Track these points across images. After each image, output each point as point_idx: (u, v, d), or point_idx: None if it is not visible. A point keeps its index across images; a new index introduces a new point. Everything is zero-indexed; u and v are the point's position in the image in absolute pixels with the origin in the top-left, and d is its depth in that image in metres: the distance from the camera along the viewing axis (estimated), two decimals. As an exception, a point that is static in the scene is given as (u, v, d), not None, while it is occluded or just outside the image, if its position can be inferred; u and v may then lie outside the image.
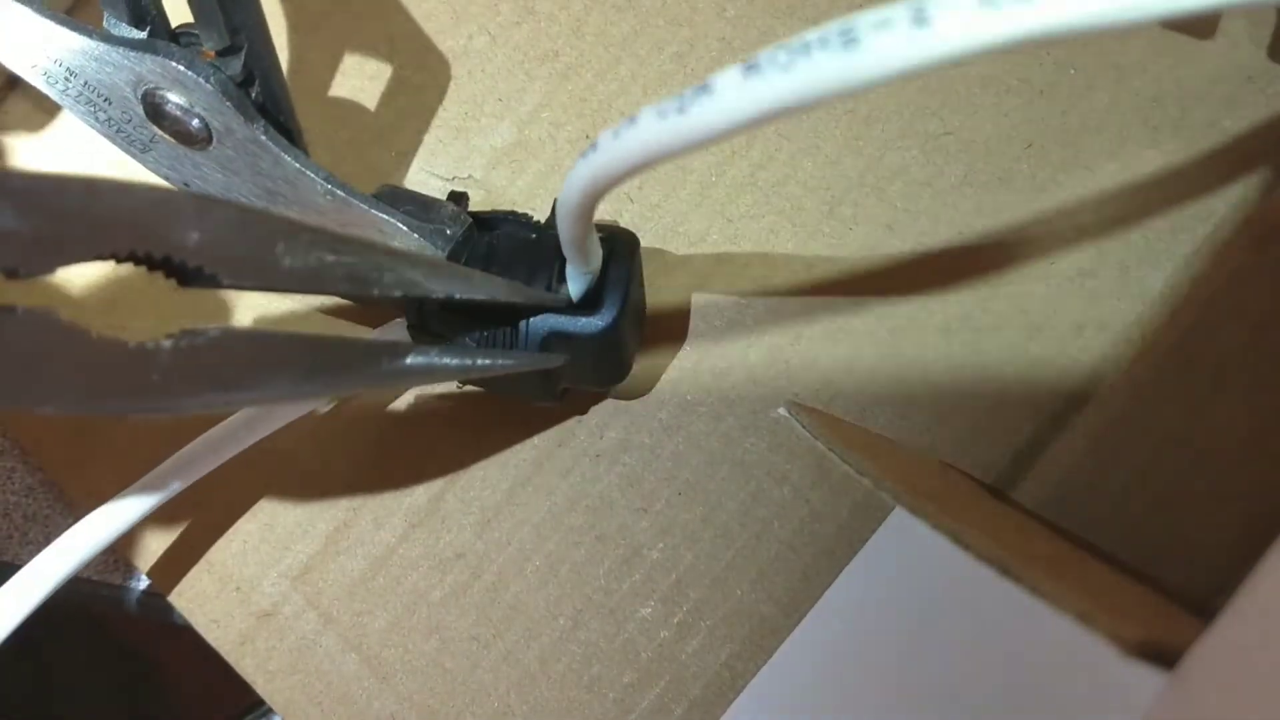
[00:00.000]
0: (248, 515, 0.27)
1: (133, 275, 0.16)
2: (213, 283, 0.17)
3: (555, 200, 0.19)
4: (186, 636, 0.27)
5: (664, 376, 0.26)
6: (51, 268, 0.16)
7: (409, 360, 0.19)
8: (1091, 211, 0.24)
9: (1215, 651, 0.13)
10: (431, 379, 0.20)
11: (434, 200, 0.23)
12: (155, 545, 0.27)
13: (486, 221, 0.24)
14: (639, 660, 0.25)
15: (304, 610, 0.26)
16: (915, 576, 0.21)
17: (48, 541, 0.23)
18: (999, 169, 0.25)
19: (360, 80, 0.28)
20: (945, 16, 0.11)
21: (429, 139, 0.28)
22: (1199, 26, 0.24)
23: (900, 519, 0.22)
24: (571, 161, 0.26)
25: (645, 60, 0.27)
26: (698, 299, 0.26)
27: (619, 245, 0.23)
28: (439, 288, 0.20)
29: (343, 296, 0.19)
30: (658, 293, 0.26)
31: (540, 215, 0.25)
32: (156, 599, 0.27)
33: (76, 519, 0.24)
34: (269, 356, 0.18)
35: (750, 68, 0.13)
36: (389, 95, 0.28)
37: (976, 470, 0.24)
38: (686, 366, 0.26)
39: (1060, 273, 0.24)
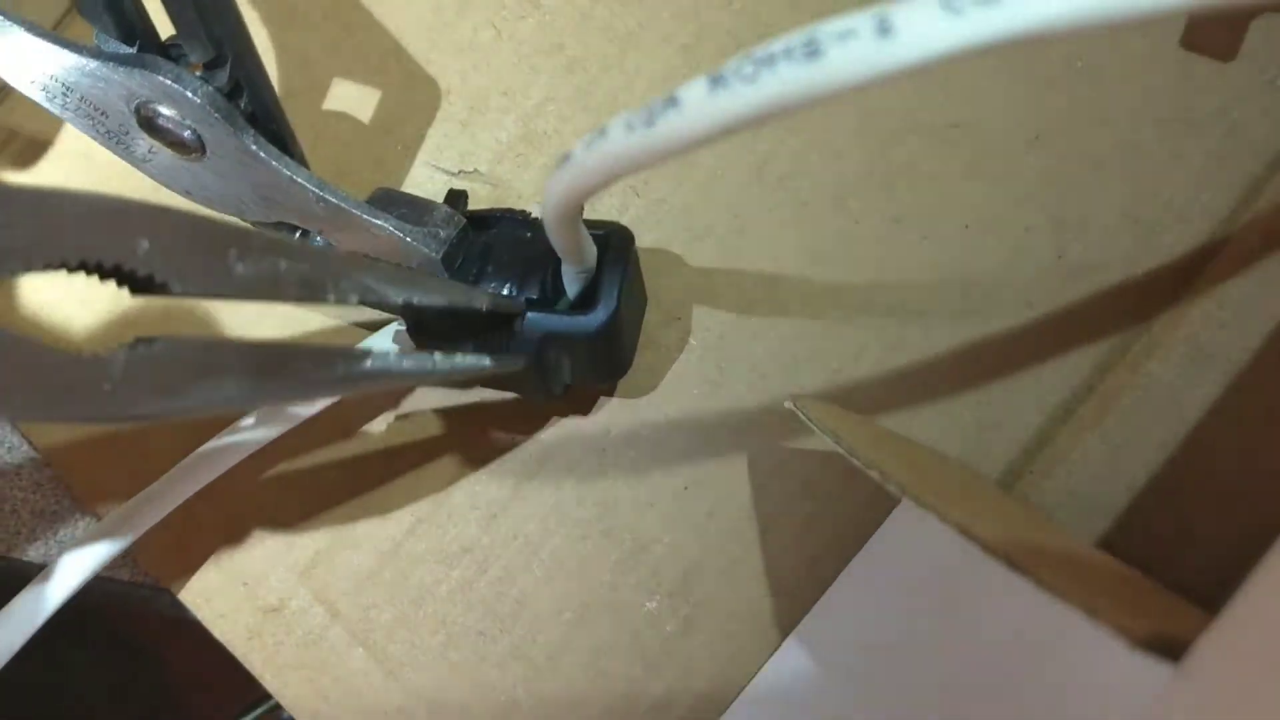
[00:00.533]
0: (255, 511, 0.27)
1: (89, 284, 0.16)
2: (164, 290, 0.17)
3: None
4: (195, 631, 0.27)
5: (670, 371, 0.26)
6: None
7: (367, 365, 0.19)
8: (1099, 204, 0.24)
9: (1222, 643, 0.13)
10: (391, 383, 0.21)
11: (428, 202, 0.23)
12: (162, 541, 0.27)
13: (483, 220, 0.24)
14: (646, 654, 0.24)
15: (311, 605, 0.26)
16: (922, 569, 0.21)
17: (56, 537, 0.24)
18: (1006, 161, 0.25)
19: (366, 74, 0.28)
20: (909, 25, 0.11)
21: (434, 133, 0.28)
22: (1221, 50, 0.24)
23: (907, 511, 0.22)
24: (577, 155, 0.26)
25: (651, 53, 0.27)
26: (703, 293, 0.26)
27: (614, 241, 0.23)
28: (395, 294, 0.20)
29: (297, 303, 0.19)
30: (663, 288, 0.26)
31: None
32: (165, 594, 0.27)
33: (84, 515, 0.24)
34: (220, 363, 0.18)
35: (716, 80, 0.13)
36: (394, 90, 0.28)
37: (984, 462, 0.24)
38: (692, 360, 0.26)
39: (1068, 265, 0.24)
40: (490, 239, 0.23)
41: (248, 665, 0.26)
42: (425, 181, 0.28)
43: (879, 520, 0.23)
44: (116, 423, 0.17)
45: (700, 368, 0.25)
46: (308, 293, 0.18)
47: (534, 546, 0.25)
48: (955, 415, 0.24)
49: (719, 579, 0.24)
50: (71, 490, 0.30)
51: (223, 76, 0.22)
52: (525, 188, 0.27)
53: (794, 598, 0.24)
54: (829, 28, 0.12)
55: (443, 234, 0.23)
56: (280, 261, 0.18)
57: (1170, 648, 0.14)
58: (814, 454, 0.24)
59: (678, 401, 0.25)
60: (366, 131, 0.28)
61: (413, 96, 0.28)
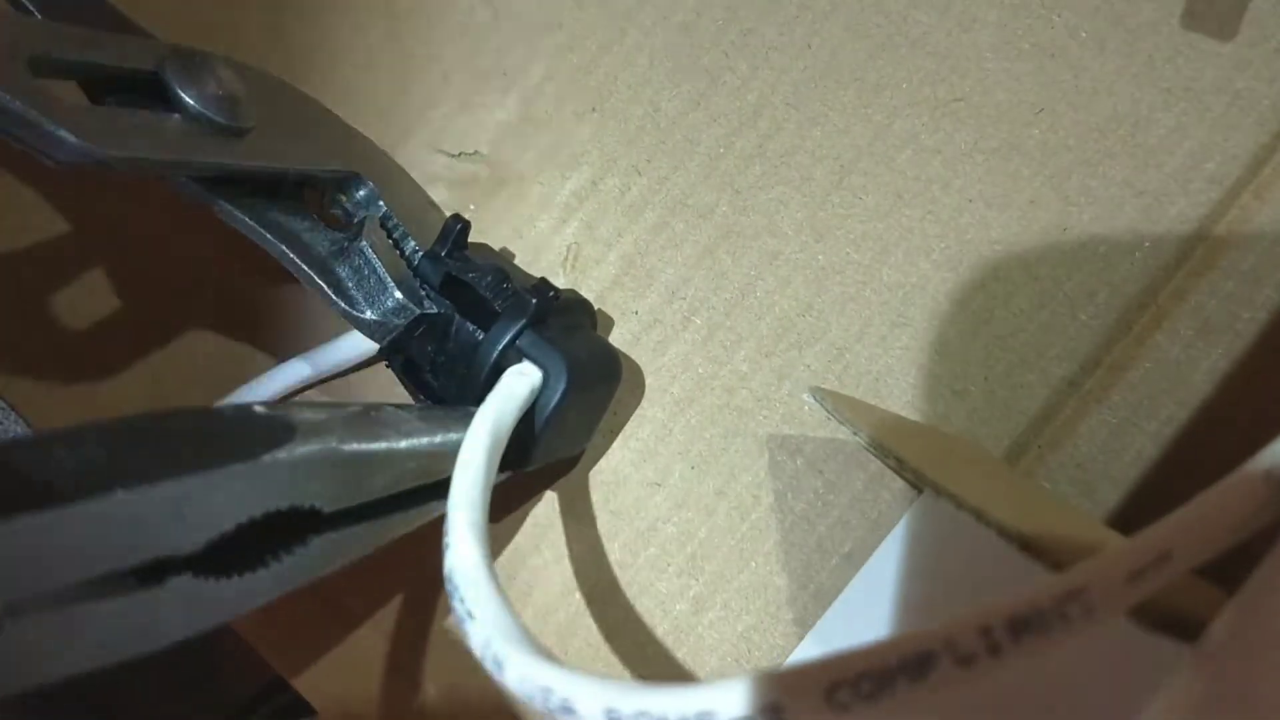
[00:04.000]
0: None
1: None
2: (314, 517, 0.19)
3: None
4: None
5: (674, 350, 0.26)
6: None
7: None
8: (1104, 176, 0.24)
9: (1239, 623, 0.13)
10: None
11: (384, 284, 0.23)
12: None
13: (456, 284, 0.24)
14: (656, 634, 0.25)
15: (320, 588, 0.26)
16: (941, 557, 0.21)
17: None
18: (1010, 134, 0.25)
19: (364, 57, 0.28)
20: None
21: (434, 115, 0.28)
22: (1220, 29, 0.24)
23: (927, 502, 0.22)
24: (578, 135, 0.26)
25: (650, 30, 0.27)
26: (707, 272, 0.26)
27: (551, 380, 0.22)
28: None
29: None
30: (666, 266, 0.26)
31: (547, 190, 0.24)
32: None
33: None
34: None
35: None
36: (393, 72, 0.28)
37: (990, 438, 0.24)
38: (697, 339, 0.25)
39: (1073, 238, 0.24)
40: (439, 342, 0.24)
41: (260, 651, 0.27)
42: (426, 164, 0.27)
43: (886, 498, 0.23)
44: None
45: (705, 346, 0.25)
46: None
47: (542, 528, 0.25)
48: (961, 390, 0.24)
49: (728, 558, 0.24)
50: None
51: None
52: (526, 168, 0.27)
53: (803, 576, 0.24)
54: (727, 711, 0.13)
55: (391, 324, 0.23)
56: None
57: (1186, 627, 0.14)
58: (821, 433, 0.24)
59: (682, 380, 0.25)
60: (364, 114, 0.28)
61: (411, 79, 0.28)
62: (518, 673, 0.15)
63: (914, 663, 0.12)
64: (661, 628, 0.25)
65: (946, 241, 0.25)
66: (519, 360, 0.22)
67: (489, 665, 0.15)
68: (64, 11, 0.22)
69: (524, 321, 0.22)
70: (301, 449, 0.18)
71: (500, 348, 0.22)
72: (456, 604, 0.16)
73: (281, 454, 0.18)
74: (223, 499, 0.17)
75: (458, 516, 0.18)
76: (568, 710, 0.14)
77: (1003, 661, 0.12)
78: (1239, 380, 0.22)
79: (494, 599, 0.16)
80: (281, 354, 0.28)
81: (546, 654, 0.15)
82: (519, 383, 0.22)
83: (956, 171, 0.25)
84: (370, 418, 0.20)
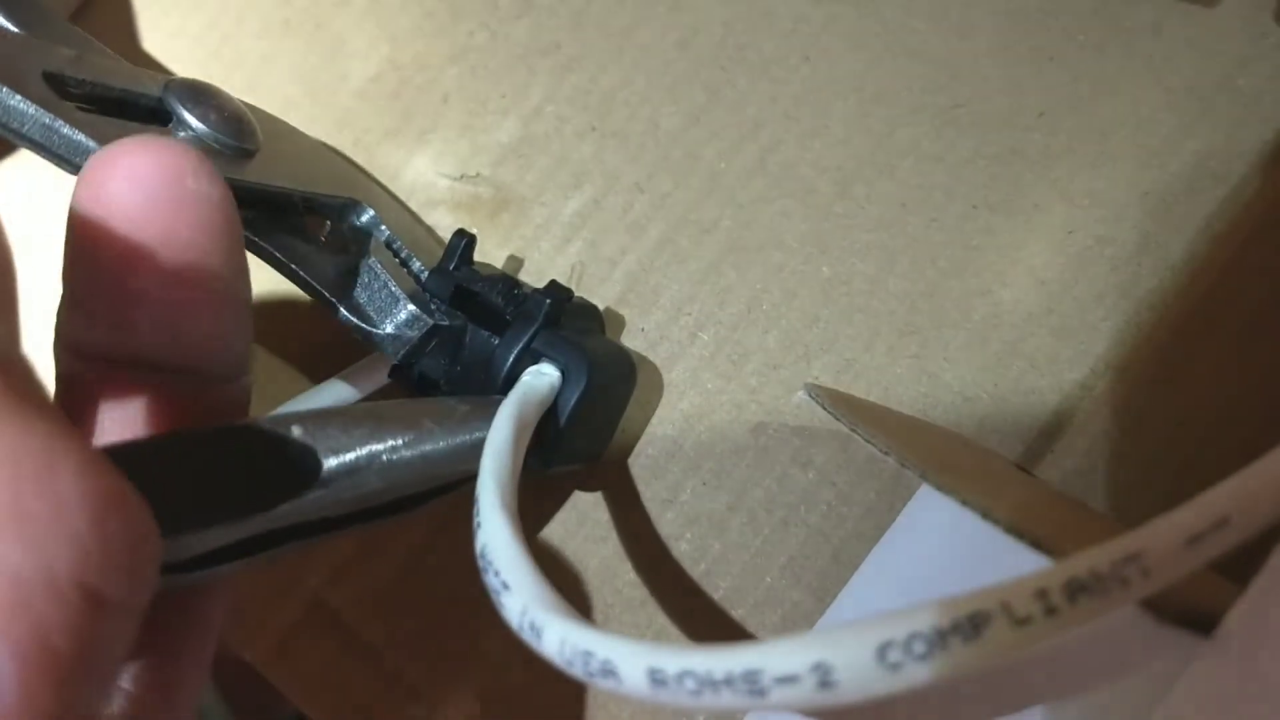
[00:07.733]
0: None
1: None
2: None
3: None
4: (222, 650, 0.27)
5: (682, 366, 0.25)
6: None
7: None
8: (1107, 178, 0.24)
9: (1253, 614, 0.13)
10: None
11: (396, 297, 0.23)
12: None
13: (466, 294, 0.23)
14: (671, 652, 0.24)
15: (335, 619, 0.26)
16: (945, 551, 0.21)
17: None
18: (1012, 139, 0.25)
19: (363, 83, 0.28)
20: (848, 680, 0.12)
21: (435, 138, 0.28)
22: None
23: (928, 496, 0.22)
24: (579, 155, 0.26)
25: (648, 49, 0.27)
26: (712, 287, 0.26)
27: (571, 376, 0.22)
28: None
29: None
30: (671, 282, 0.26)
31: (550, 210, 0.24)
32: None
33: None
34: None
35: (658, 681, 0.13)
36: (392, 96, 0.28)
37: (1002, 445, 0.24)
38: (704, 355, 0.25)
39: (1079, 241, 0.24)
40: (453, 353, 0.23)
41: (275, 682, 0.26)
42: (428, 187, 0.28)
43: (900, 508, 0.23)
44: None
45: (713, 362, 0.25)
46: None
47: (555, 549, 0.25)
48: (972, 398, 0.24)
49: (742, 573, 0.24)
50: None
51: None
52: (528, 190, 0.27)
53: (818, 590, 0.24)
54: (773, 669, 0.12)
55: (405, 336, 0.23)
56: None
57: (1200, 621, 0.14)
58: (832, 443, 0.24)
59: (691, 396, 0.25)
60: (365, 139, 0.28)
61: (411, 103, 0.28)
62: (556, 638, 0.14)
63: (968, 623, 0.12)
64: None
65: (952, 249, 0.25)
66: (536, 362, 0.22)
67: (526, 634, 0.15)
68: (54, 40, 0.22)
69: (540, 321, 0.22)
70: (324, 483, 0.17)
71: (517, 350, 0.22)
72: (491, 578, 0.16)
73: (307, 494, 0.17)
74: (228, 534, 0.17)
75: (487, 497, 0.18)
76: (610, 673, 0.13)
77: (1058, 624, 0.12)
78: (1252, 379, 0.22)
79: (528, 568, 0.16)
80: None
81: (583, 620, 0.15)
82: (539, 380, 0.22)
83: (959, 178, 0.25)
84: (407, 442, 0.20)
